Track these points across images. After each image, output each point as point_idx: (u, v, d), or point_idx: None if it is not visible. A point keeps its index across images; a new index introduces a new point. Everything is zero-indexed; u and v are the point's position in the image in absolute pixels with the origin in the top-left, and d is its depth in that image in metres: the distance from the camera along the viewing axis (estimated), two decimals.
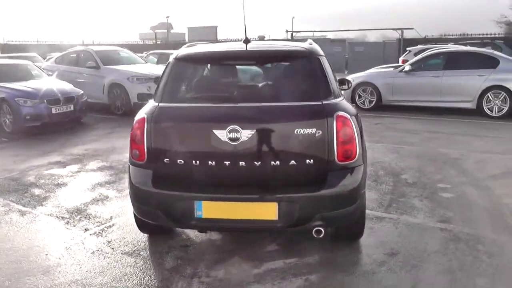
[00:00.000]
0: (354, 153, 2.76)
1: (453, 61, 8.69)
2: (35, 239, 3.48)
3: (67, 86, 8.15)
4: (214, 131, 2.66)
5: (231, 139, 2.63)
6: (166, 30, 43.88)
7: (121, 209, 4.09)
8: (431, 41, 25.09)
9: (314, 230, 2.72)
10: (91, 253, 3.23)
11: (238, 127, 2.62)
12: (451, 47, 11.12)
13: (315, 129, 2.66)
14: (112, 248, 3.29)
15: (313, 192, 2.67)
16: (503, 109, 8.02)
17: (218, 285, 2.76)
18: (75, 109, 7.86)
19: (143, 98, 9.32)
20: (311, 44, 3.15)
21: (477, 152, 5.88)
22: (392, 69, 9.86)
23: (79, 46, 13.27)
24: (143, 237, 3.46)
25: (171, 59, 3.09)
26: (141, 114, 2.89)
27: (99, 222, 3.79)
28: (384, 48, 29.85)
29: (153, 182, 2.79)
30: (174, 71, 2.96)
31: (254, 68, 3.15)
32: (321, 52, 3.06)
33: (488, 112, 8.16)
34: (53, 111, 7.45)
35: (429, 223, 3.65)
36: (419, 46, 16.50)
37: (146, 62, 10.88)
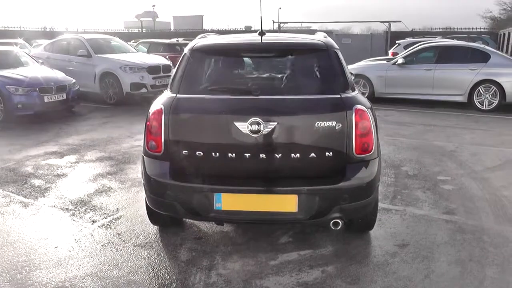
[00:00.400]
0: (371, 146, 2.79)
1: (445, 55, 8.83)
2: (42, 231, 3.41)
3: (59, 75, 7.95)
4: (235, 123, 2.64)
5: (252, 131, 2.63)
6: (151, 19, 43.17)
7: (126, 200, 4.05)
8: (418, 34, 25.41)
9: (332, 222, 2.75)
10: (102, 245, 3.20)
11: (260, 120, 2.61)
12: (443, 41, 11.28)
13: (335, 122, 2.68)
14: (123, 241, 3.26)
15: (333, 185, 2.70)
16: (493, 102, 8.21)
17: (237, 276, 2.77)
18: (67, 98, 7.69)
19: (136, 88, 9.23)
20: (326, 37, 3.15)
21: (471, 144, 6.01)
22: (385, 61, 9.95)
23: (69, 34, 12.95)
24: (153, 229, 3.44)
25: (186, 50, 3.04)
26: (157, 105, 2.85)
27: (105, 214, 3.75)
28: (372, 40, 30.11)
29: (170, 174, 2.77)
30: (191, 62, 2.92)
31: (272, 60, 3.14)
32: (337, 46, 3.06)
33: (478, 105, 8.34)
34: (45, 99, 7.27)
35: (434, 214, 3.73)
36: (409, 39, 16.68)
37: (137, 51, 10.69)
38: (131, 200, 4.05)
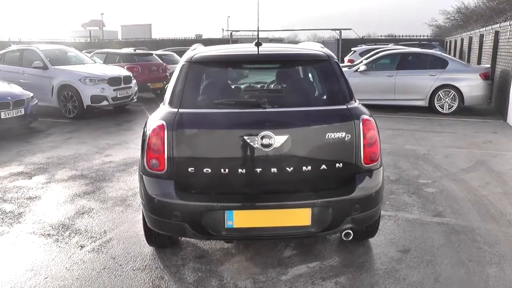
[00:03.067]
0: (377, 155, 2.82)
1: (406, 62, 9.24)
2: (26, 262, 3.11)
3: (16, 89, 7.42)
4: (245, 137, 2.56)
5: (263, 145, 2.56)
6: (98, 28, 41.68)
7: (112, 221, 3.81)
8: (368, 42, 26.48)
9: (343, 233, 2.74)
10: (97, 272, 2.97)
11: (271, 133, 2.55)
12: (401, 48, 11.80)
13: (344, 133, 2.67)
14: (120, 265, 3.05)
15: (345, 196, 2.68)
16: (453, 106, 8.70)
17: None
18: (25, 114, 7.19)
19: (97, 101, 8.83)
20: (323, 47, 3.15)
21: (442, 147, 6.30)
22: (346, 68, 10.24)
23: (22, 44, 12.15)
24: (149, 250, 3.25)
25: (183, 61, 2.92)
26: (157, 121, 2.69)
27: (93, 237, 3.50)
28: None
29: (177, 193, 2.63)
30: (191, 74, 2.80)
31: (275, 71, 3.08)
32: (335, 56, 3.08)
33: (439, 109, 8.79)
34: (2, 115, 6.74)
35: (425, 218, 3.83)
36: (364, 46, 17.31)
37: (94, 62, 10.24)
38: (117, 221, 3.82)
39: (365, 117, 2.75)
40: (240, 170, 2.60)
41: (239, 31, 31.86)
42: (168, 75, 12.55)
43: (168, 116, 2.68)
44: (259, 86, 3.01)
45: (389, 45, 16.02)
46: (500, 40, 9.35)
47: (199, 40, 31.60)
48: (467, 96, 8.51)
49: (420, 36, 29.65)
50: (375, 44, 19.28)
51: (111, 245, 3.35)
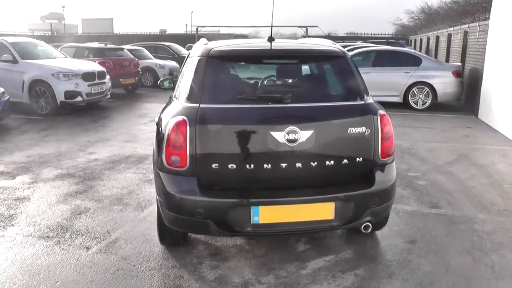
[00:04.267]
0: (393, 149, 2.90)
1: (381, 59, 9.51)
2: (30, 267, 2.95)
3: None
4: (271, 132, 2.55)
5: (289, 140, 2.56)
6: (57, 21, 39.88)
7: (113, 221, 3.68)
8: (334, 39, 27.02)
9: (363, 225, 2.79)
10: (112, 273, 2.86)
11: (297, 128, 2.56)
12: (375, 46, 12.14)
13: (364, 128, 2.72)
14: (134, 266, 2.96)
15: (366, 189, 2.74)
16: (426, 102, 9.06)
17: None
18: None
19: (71, 96, 8.48)
20: (334, 43, 3.19)
21: (423, 142, 6.55)
22: None
23: None
24: (160, 249, 3.17)
25: (198, 56, 2.84)
26: (177, 116, 2.62)
27: (97, 238, 3.37)
28: None
29: (200, 190, 2.58)
30: (209, 69, 2.74)
31: (293, 66, 3.07)
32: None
33: (413, 105, 9.13)
34: None
35: (423, 209, 3.98)
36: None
37: (66, 57, 9.81)
38: (118, 220, 3.69)
39: (382, 112, 2.82)
40: (265, 166, 2.58)
41: (205, 26, 31.54)
42: (140, 70, 12.24)
43: (189, 111, 2.61)
44: (280, 81, 3.00)
45: (357, 43, 16.44)
46: (469, 40, 9.82)
47: (164, 35, 30.98)
48: (440, 93, 8.90)
49: (381, 34, 30.63)
50: (343, 42, 19.71)
51: (118, 246, 3.24)
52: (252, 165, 2.58)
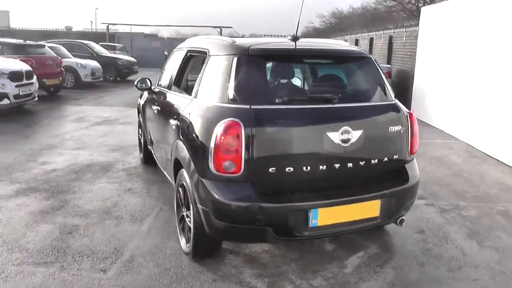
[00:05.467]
0: (417, 146, 3.07)
1: None
2: None
3: None
4: (327, 133, 2.52)
5: (343, 140, 2.56)
6: None
7: (115, 237, 3.31)
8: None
9: (399, 220, 2.90)
10: None
11: (349, 128, 2.56)
12: None
13: (400, 126, 2.84)
14: (170, 284, 2.69)
15: (405, 185, 2.85)
16: None
17: None
18: None
19: None
20: (351, 45, 3.26)
21: None
22: None
23: None
24: (187, 264, 2.92)
25: (234, 54, 2.67)
26: (228, 119, 2.44)
27: (107, 258, 2.99)
28: None
29: (258, 196, 2.45)
30: (251, 68, 2.61)
31: (328, 67, 3.04)
32: None
33: None
34: None
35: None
36: None
37: None
38: (120, 236, 3.33)
39: (410, 111, 2.97)
40: (321, 167, 2.55)
41: (116, 24, 29.86)
42: (63, 70, 11.13)
43: (240, 113, 2.46)
44: (320, 81, 2.95)
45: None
46: (394, 44, 10.75)
47: (71, 33, 28.52)
48: None
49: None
50: None
51: (139, 264, 2.92)
52: (308, 167, 2.52)
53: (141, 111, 4.98)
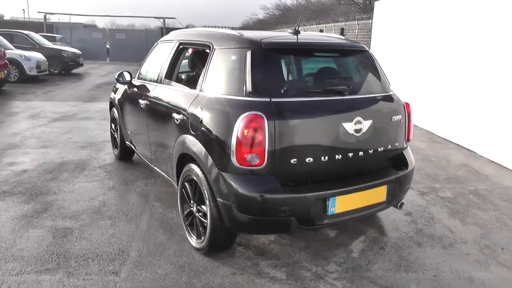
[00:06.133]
0: (412, 134, 3.26)
1: None
2: None
3: None
4: (343, 124, 2.61)
5: (356, 130, 2.66)
6: None
7: (115, 237, 3.19)
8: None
9: (399, 204, 3.09)
10: None
11: (361, 118, 2.68)
12: None
13: (400, 116, 3.01)
14: (190, 281, 2.66)
15: (406, 170, 3.03)
16: None
17: (357, 275, 2.76)
18: None
19: None
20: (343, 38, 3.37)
21: None
22: None
23: None
24: (200, 258, 2.90)
25: (247, 47, 2.66)
26: (250, 112, 2.44)
27: (113, 260, 2.88)
28: (147, 36, 30.22)
29: (282, 187, 2.49)
30: (267, 62, 2.61)
31: (335, 60, 3.08)
32: None
33: None
34: None
35: None
36: None
37: None
38: (121, 236, 3.22)
39: (405, 101, 3.15)
40: (337, 156, 2.64)
41: (55, 13, 27.91)
42: (7, 62, 10.29)
43: (261, 106, 2.47)
44: (328, 74, 3.01)
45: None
46: (346, 36, 11.14)
47: (1, 21, 26.27)
48: None
49: (239, 28, 32.03)
50: None
51: (149, 263, 2.85)
52: (326, 157, 2.60)
53: (117, 105, 4.78)
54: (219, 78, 2.86)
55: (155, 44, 4.28)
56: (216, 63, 2.92)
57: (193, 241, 3.00)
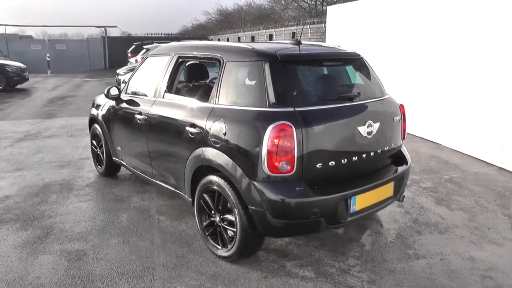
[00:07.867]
0: (406, 132, 3.57)
1: None
2: None
3: None
4: (358, 128, 2.83)
5: (368, 133, 2.89)
6: None
7: (136, 254, 3.17)
8: (135, 40, 26.07)
9: (401, 196, 3.37)
10: None
11: (372, 122, 2.91)
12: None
13: (399, 116, 3.29)
14: (225, 283, 2.74)
15: (407, 165, 3.32)
16: None
17: (384, 268, 2.96)
18: None
19: None
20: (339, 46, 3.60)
21: None
22: None
23: None
24: (227, 265, 2.98)
25: (265, 59, 2.77)
26: (277, 122, 2.57)
27: (140, 276, 2.87)
28: (88, 46, 29.17)
29: (313, 191, 2.65)
30: (285, 73, 2.76)
31: (339, 68, 3.27)
32: None
33: None
34: None
35: None
36: (155, 44, 17.46)
37: None
38: (140, 252, 3.20)
39: (400, 102, 3.45)
40: (354, 158, 2.85)
41: (8, 25, 25.94)
42: None
43: (287, 115, 2.61)
44: (336, 82, 3.20)
45: (154, 44, 16.91)
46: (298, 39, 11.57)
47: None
48: None
49: (185, 35, 31.80)
50: (164, 42, 19.75)
51: (179, 276, 2.88)
52: (345, 159, 2.80)
53: (101, 122, 4.68)
54: (237, 91, 2.97)
55: (145, 58, 4.26)
56: (230, 76, 3.01)
57: (218, 250, 3.06)
